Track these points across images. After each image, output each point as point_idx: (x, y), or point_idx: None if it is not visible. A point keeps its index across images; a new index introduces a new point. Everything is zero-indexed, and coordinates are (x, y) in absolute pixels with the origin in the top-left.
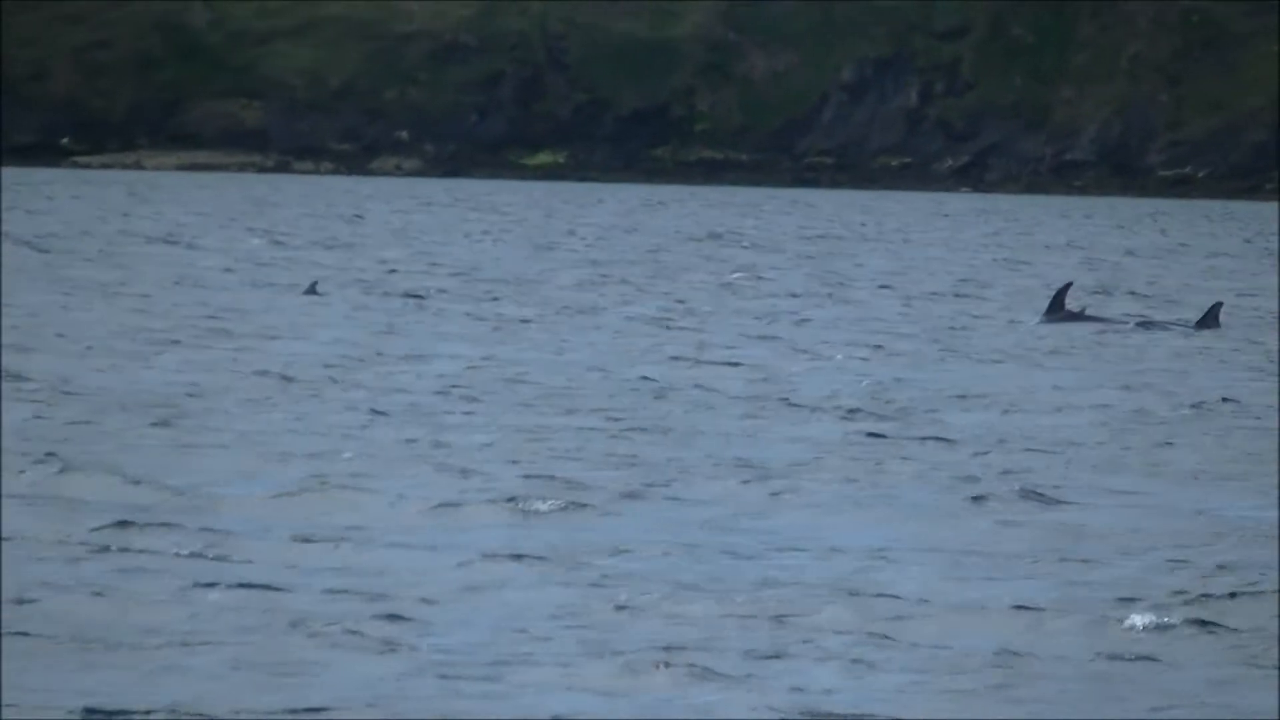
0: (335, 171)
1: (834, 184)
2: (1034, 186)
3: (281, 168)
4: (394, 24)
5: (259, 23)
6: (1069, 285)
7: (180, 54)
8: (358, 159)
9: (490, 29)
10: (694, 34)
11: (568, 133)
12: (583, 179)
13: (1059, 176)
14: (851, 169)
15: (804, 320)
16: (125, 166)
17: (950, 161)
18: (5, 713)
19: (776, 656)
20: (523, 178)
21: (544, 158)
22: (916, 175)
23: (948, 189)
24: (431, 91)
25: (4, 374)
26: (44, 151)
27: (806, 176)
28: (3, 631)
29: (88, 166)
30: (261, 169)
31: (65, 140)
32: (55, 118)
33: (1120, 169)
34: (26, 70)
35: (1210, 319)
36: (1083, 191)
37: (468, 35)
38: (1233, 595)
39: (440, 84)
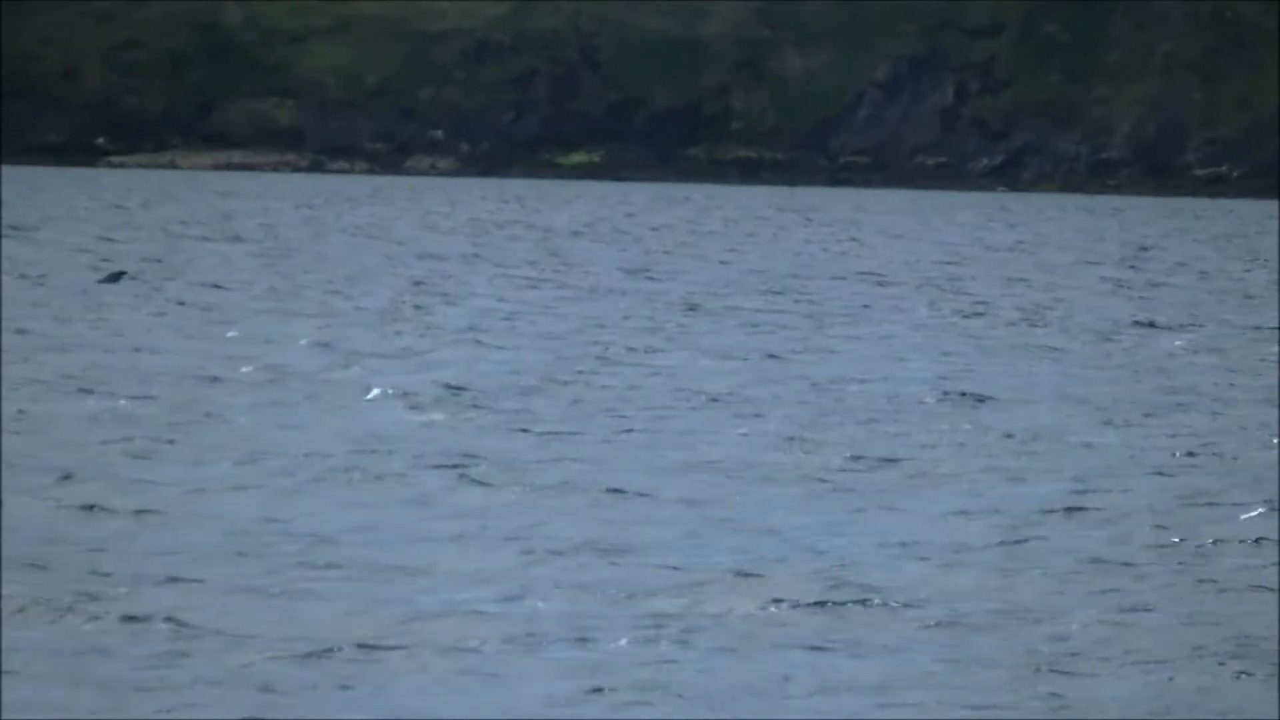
0: (370, 171)
1: (869, 183)
2: (1069, 185)
3: (316, 167)
4: (427, 23)
5: (292, 22)
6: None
7: (214, 53)
8: (392, 158)
9: (523, 27)
10: (727, 32)
11: (602, 131)
12: (617, 178)
13: (1094, 175)
14: (886, 168)
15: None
16: (160, 166)
17: (985, 160)
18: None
19: None
20: (558, 177)
21: (579, 157)
22: (952, 174)
23: (983, 188)
24: (466, 90)
25: None
26: (77, 151)
27: (841, 176)
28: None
29: (122, 166)
30: (296, 168)
31: (100, 140)
32: (87, 117)
33: (1155, 168)
34: (56, 69)
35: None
36: (1117, 190)
37: (501, 34)
38: None
39: (474, 83)
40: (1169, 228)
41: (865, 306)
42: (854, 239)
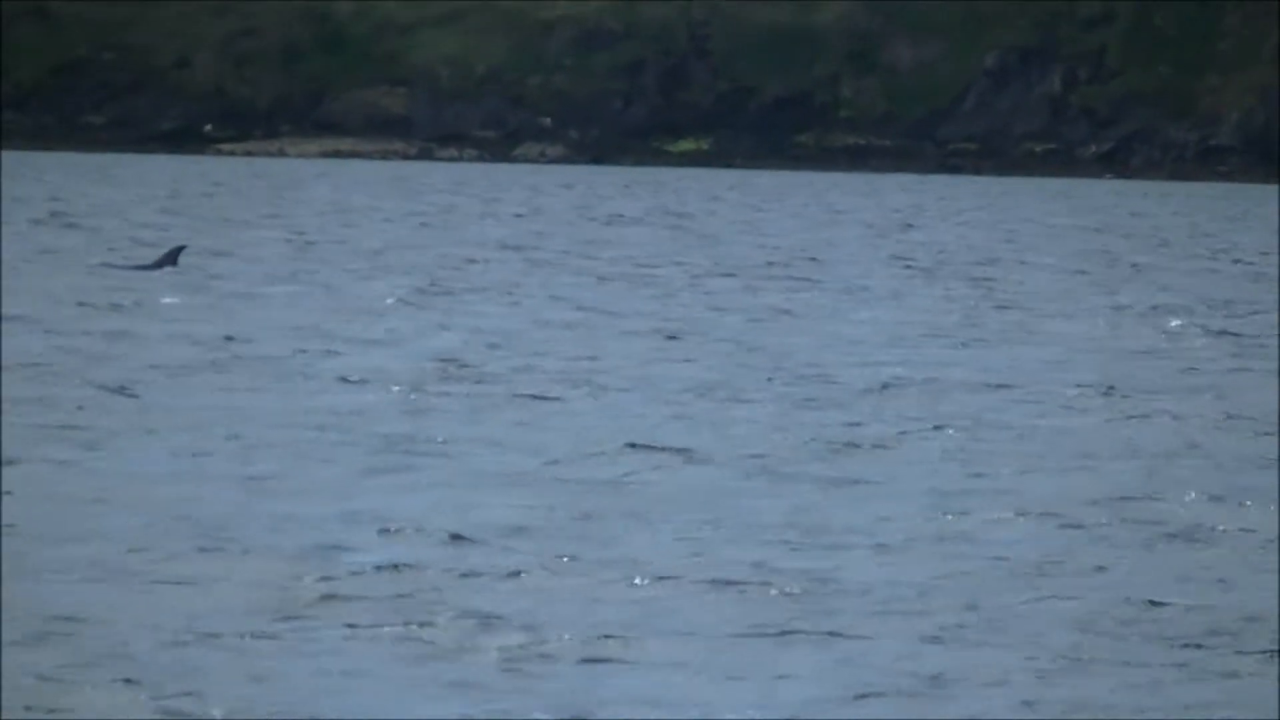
0: (479, 159)
1: (977, 171)
2: (1178, 174)
3: (425, 155)
4: (538, 11)
5: (404, 12)
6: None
7: (326, 44)
8: (501, 146)
9: (634, 16)
10: (837, 21)
11: (711, 120)
12: (727, 166)
13: (1203, 163)
14: (995, 156)
15: None
16: (269, 154)
17: (1094, 148)
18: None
19: None
20: (667, 165)
21: (688, 145)
22: (1061, 162)
23: (1092, 176)
24: (576, 78)
25: None
26: (187, 139)
27: (951, 163)
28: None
29: (231, 154)
30: (405, 156)
31: (207, 128)
32: (199, 105)
33: (1265, 156)
34: (170, 58)
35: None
36: (1227, 178)
37: (612, 22)
38: None
39: (584, 71)
40: (1262, 215)
41: (884, 290)
42: (910, 223)
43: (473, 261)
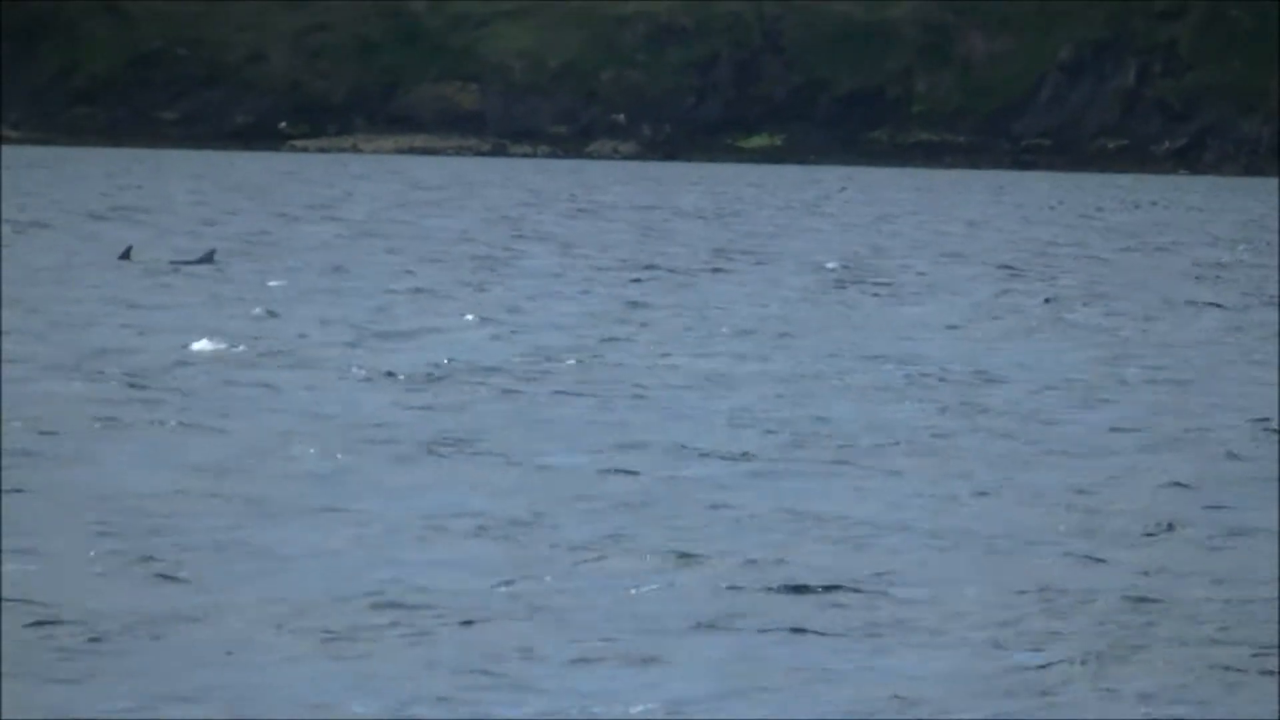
0: (552, 154)
1: (1051, 166)
2: (1252, 168)
3: (498, 151)
4: (611, 7)
5: (478, 5)
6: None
7: (400, 37)
8: (574, 142)
9: (706, 11)
10: (911, 15)
11: (784, 115)
12: (800, 162)
13: (1277, 157)
14: (1068, 151)
15: None
16: (342, 150)
17: (1168, 143)
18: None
19: None
20: (739, 161)
21: (760, 140)
22: (1134, 157)
23: (1166, 171)
24: (648, 73)
25: None
26: (262, 135)
27: (1024, 159)
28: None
29: (305, 150)
30: (478, 152)
31: (282, 124)
32: (274, 101)
33: None
34: (245, 53)
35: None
36: None
37: (684, 17)
38: None
39: (657, 66)
40: None
41: (792, 286)
42: (883, 217)
43: (392, 253)
